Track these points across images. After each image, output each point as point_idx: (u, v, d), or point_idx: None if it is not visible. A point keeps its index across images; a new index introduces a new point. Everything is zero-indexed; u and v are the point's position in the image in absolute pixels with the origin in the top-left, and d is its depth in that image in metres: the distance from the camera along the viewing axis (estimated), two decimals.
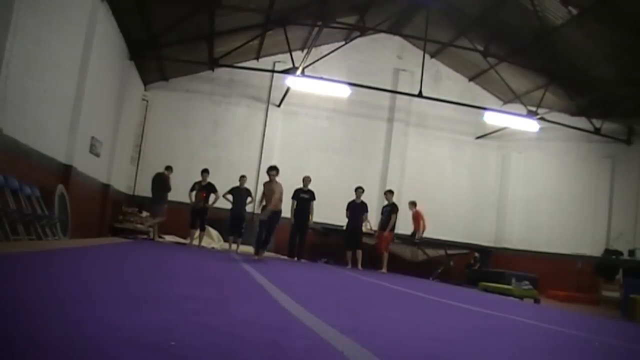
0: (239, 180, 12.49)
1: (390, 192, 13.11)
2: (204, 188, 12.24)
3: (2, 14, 6.05)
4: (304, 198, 12.24)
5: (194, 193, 12.16)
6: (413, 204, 13.58)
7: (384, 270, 12.30)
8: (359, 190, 12.81)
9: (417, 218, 13.50)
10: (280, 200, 10.03)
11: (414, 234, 13.54)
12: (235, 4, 11.34)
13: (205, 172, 12.33)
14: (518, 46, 12.75)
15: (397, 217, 12.79)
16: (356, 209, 12.70)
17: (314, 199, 12.43)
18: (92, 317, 2.23)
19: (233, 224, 12.27)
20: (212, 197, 12.30)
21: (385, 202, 12.96)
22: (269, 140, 15.09)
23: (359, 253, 12.47)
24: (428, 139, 16.00)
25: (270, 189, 9.79)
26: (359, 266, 12.37)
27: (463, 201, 15.84)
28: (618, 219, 13.55)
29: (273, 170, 9.92)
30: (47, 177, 8.00)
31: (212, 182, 12.41)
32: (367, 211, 12.83)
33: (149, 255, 7.84)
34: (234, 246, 12.35)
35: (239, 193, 12.43)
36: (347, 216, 12.81)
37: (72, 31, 8.32)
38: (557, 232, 14.29)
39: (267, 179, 10.16)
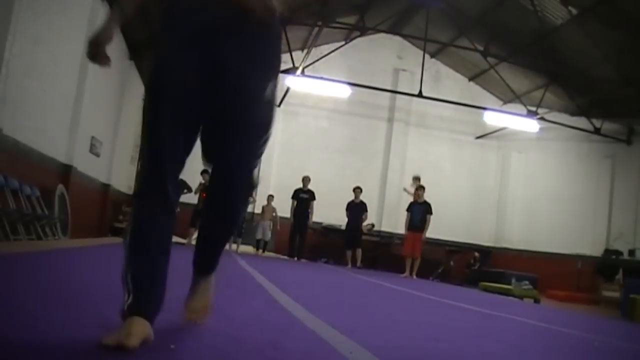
0: None
1: (422, 188, 12.04)
2: (206, 189, 12.33)
3: (2, 14, 6.04)
4: (303, 198, 12.27)
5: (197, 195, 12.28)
6: (417, 180, 13.19)
7: (414, 276, 11.56)
8: (357, 190, 12.82)
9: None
10: None
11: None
12: None
13: (205, 173, 12.36)
14: (518, 46, 12.76)
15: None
16: (355, 209, 12.70)
17: (313, 198, 12.47)
18: (91, 317, 2.23)
19: None
20: None
21: (412, 200, 12.09)
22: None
23: (359, 251, 12.48)
24: (428, 138, 16.01)
25: None
26: (358, 264, 12.38)
27: (463, 201, 15.84)
28: (618, 219, 13.55)
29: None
30: (47, 177, 8.00)
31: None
32: (366, 210, 12.82)
33: None
34: (234, 246, 12.36)
35: None
36: (347, 216, 12.82)
37: (72, 31, 8.32)
38: (557, 232, 14.28)
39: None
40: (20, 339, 1.65)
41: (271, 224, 12.93)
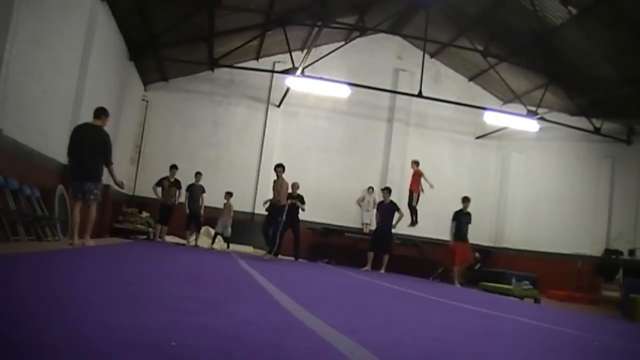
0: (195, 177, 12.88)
1: (468, 199, 12.05)
2: (174, 184, 12.48)
3: (2, 15, 6.04)
4: (292, 202, 12.21)
5: (160, 189, 12.31)
6: (416, 163, 13.15)
7: (457, 284, 11.61)
8: (385, 191, 12.79)
9: (417, 176, 13.03)
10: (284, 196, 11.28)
11: (411, 196, 12.96)
12: (235, 4, 11.34)
13: (174, 168, 12.55)
14: (518, 46, 12.75)
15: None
16: (387, 210, 12.52)
17: (303, 202, 12.57)
18: (92, 317, 2.23)
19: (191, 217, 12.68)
20: (178, 193, 12.61)
21: (459, 208, 11.99)
22: (269, 140, 15.10)
23: (386, 257, 12.38)
24: (428, 139, 16.00)
25: (277, 184, 10.89)
26: (383, 269, 12.25)
27: None
28: (618, 218, 13.54)
29: (279, 167, 11.19)
30: (47, 177, 7.99)
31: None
32: (398, 210, 12.54)
33: (148, 256, 7.85)
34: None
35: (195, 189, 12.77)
36: (376, 217, 12.78)
37: (72, 31, 8.32)
38: (557, 232, 14.27)
39: (268, 181, 11.21)
40: (21, 339, 1.65)
41: (230, 220, 13.07)
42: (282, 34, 12.60)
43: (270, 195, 11.75)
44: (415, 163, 13.13)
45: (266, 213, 11.76)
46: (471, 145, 16.20)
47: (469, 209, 12.09)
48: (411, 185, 13.09)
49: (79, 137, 7.23)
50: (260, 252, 12.64)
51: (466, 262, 11.96)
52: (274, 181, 11.58)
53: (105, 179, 11.42)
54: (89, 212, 7.27)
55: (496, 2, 11.82)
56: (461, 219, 11.82)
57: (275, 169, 11.51)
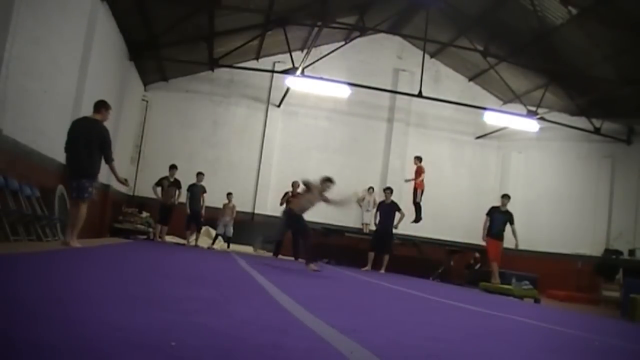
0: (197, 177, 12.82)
1: (507, 197, 11.48)
2: (174, 184, 12.46)
3: (2, 15, 6.04)
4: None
5: (159, 189, 12.29)
6: (419, 159, 13.14)
7: (497, 280, 11.08)
8: (387, 190, 12.77)
9: (419, 172, 13.03)
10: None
11: (415, 193, 13.02)
12: (235, 4, 11.34)
13: (173, 168, 12.53)
14: (518, 46, 12.75)
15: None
16: (387, 210, 12.48)
17: None
18: (92, 317, 2.23)
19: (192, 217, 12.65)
20: (178, 193, 12.58)
21: (496, 205, 11.51)
22: (268, 141, 15.10)
23: (386, 257, 12.34)
24: (428, 139, 16.00)
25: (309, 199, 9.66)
26: (383, 269, 12.23)
27: (463, 201, 15.83)
28: (618, 218, 13.54)
29: (329, 181, 9.76)
30: (47, 177, 8.00)
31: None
32: (399, 210, 12.48)
33: (148, 256, 7.84)
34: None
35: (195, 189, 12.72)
36: (375, 217, 12.72)
37: (72, 31, 8.32)
38: (557, 231, 14.27)
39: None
40: (21, 339, 1.65)
41: (232, 220, 13.03)
42: (282, 34, 12.60)
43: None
44: (418, 159, 13.10)
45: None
46: (471, 145, 16.21)
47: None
48: (416, 183, 13.08)
49: (76, 132, 6.76)
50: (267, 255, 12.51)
51: (496, 260, 11.15)
52: (300, 190, 10.05)
53: (106, 178, 11.45)
54: (78, 211, 6.71)
55: (496, 2, 11.83)
56: (494, 215, 11.30)
57: (324, 183, 9.76)
